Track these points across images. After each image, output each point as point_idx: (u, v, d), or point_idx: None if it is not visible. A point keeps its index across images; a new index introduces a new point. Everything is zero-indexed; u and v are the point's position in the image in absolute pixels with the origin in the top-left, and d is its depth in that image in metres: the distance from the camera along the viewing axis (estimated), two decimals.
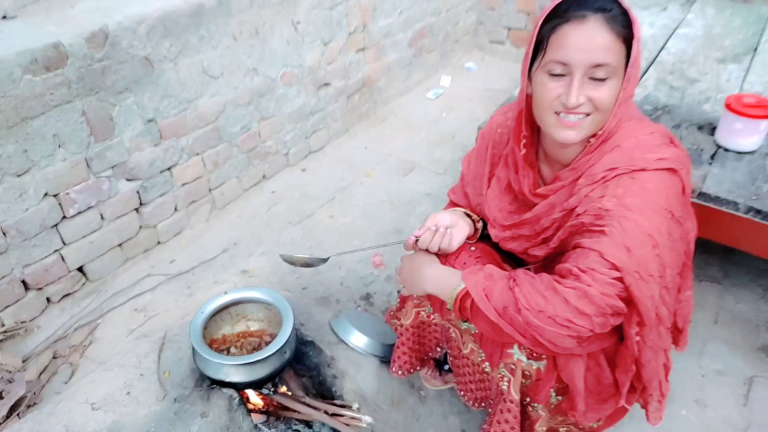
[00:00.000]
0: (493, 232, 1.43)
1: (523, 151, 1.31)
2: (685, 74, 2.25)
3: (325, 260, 1.46)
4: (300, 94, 2.70)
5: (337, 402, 1.63)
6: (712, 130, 1.87)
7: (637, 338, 1.22)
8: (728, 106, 1.75)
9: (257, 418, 1.60)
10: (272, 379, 1.59)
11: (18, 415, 1.63)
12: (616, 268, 1.10)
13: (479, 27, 3.97)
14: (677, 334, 1.54)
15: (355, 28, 2.85)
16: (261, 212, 2.53)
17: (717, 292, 2.11)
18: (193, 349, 1.53)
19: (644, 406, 1.42)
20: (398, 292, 1.69)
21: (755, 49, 2.42)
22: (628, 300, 1.14)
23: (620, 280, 1.11)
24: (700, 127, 1.91)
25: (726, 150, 1.79)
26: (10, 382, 1.75)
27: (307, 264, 1.48)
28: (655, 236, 1.12)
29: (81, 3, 2.04)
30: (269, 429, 1.59)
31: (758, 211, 1.57)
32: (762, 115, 1.70)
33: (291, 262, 1.48)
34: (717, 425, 1.70)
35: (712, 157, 1.77)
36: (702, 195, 1.63)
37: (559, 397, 1.36)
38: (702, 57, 2.38)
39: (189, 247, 2.33)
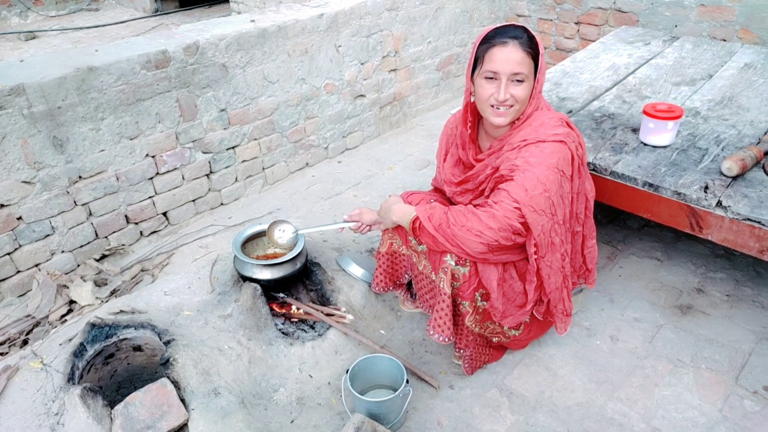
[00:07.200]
0: (449, 190, 2.04)
1: (469, 131, 1.93)
2: (640, 93, 2.77)
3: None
4: (339, 102, 3.41)
5: (331, 306, 2.26)
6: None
7: (535, 256, 1.78)
8: (645, 111, 2.27)
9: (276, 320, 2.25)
10: (286, 283, 2.23)
11: (115, 296, 2.37)
12: (516, 201, 1.69)
13: None
14: (587, 273, 2.09)
15: (388, 53, 3.55)
16: (301, 189, 3.24)
17: (655, 267, 2.57)
18: (234, 256, 2.22)
19: (553, 320, 1.97)
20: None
21: (711, 76, 2.90)
22: (527, 226, 1.72)
23: (519, 210, 1.69)
24: (633, 130, 2.44)
25: (645, 144, 2.31)
26: (110, 281, 2.51)
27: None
28: (546, 184, 1.71)
29: (183, 26, 2.87)
30: (283, 325, 2.24)
31: (651, 185, 2.08)
32: (668, 117, 2.22)
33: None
34: (622, 354, 2.16)
35: (633, 149, 2.29)
36: (612, 173, 2.17)
37: (484, 303, 1.91)
38: (662, 81, 2.88)
39: (243, 209, 3.06)
